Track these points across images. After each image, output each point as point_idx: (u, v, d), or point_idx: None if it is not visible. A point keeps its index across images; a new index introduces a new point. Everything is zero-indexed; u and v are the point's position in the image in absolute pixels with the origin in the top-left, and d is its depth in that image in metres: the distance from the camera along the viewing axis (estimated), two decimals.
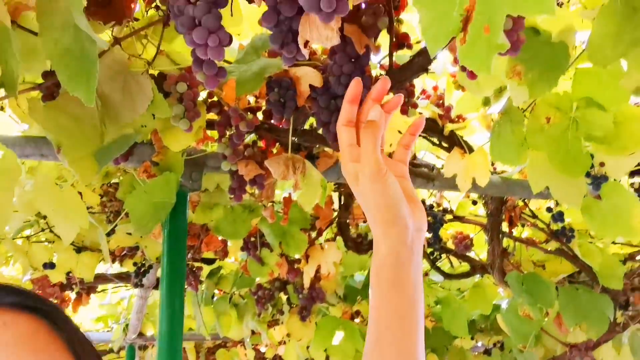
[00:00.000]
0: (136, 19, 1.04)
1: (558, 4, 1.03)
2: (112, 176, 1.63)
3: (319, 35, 0.76)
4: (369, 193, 0.68)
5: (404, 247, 0.67)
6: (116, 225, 1.60)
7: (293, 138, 1.30)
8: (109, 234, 1.67)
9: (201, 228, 1.81)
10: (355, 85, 0.71)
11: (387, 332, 0.66)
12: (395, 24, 1.08)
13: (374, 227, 0.69)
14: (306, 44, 0.79)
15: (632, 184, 1.61)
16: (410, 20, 1.42)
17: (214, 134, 1.36)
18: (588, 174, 1.36)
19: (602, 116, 1.21)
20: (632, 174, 1.62)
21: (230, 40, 0.79)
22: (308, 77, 1.07)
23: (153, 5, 0.94)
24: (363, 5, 1.08)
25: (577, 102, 1.22)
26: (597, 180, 1.34)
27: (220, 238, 1.85)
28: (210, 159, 1.47)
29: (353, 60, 1.01)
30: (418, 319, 0.67)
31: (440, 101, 1.56)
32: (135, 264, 2.04)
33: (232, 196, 1.36)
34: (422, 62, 1.02)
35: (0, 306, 0.58)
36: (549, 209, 1.66)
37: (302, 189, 1.13)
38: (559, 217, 1.62)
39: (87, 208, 1.62)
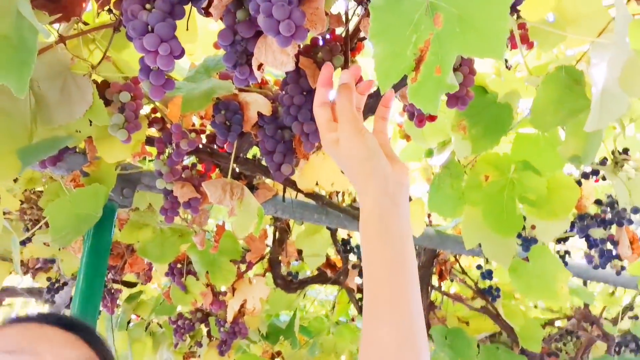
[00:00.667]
0: (85, 23, 1.00)
1: (507, 67, 1.07)
2: (36, 182, 1.54)
3: (274, 59, 0.75)
4: (349, 149, 0.72)
5: (385, 197, 0.69)
6: (33, 234, 1.50)
7: (234, 165, 1.27)
8: (24, 243, 1.56)
9: (126, 248, 1.72)
10: (327, 68, 0.78)
11: (380, 288, 0.65)
12: (350, 64, 1.09)
13: (356, 183, 0.72)
14: (260, 66, 0.78)
15: (558, 251, 1.66)
16: (365, 66, 1.44)
17: (153, 150, 1.32)
18: (519, 235, 1.39)
19: (537, 180, 1.25)
20: (559, 240, 1.67)
21: (182, 53, 0.77)
22: (257, 104, 1.06)
23: (106, 8, 0.90)
24: (321, 42, 1.09)
25: (515, 164, 1.26)
26: (527, 242, 1.37)
27: (146, 261, 1.76)
28: (145, 177, 1.42)
29: (305, 93, 1.00)
30: (410, 275, 0.66)
31: None
32: (49, 279, 1.91)
33: (164, 217, 1.31)
34: (373, 104, 1.02)
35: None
36: (478, 267, 1.68)
37: (237, 216, 1.09)
38: (487, 274, 1.65)
39: (5, 213, 1.51)
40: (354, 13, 1.01)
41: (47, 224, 1.49)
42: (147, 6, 0.75)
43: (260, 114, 1.06)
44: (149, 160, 1.52)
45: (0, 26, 0.76)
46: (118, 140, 1.13)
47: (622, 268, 1.48)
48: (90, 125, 1.04)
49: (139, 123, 1.05)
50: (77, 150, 1.33)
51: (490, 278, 1.65)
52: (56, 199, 1.46)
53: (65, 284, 1.93)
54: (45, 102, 0.98)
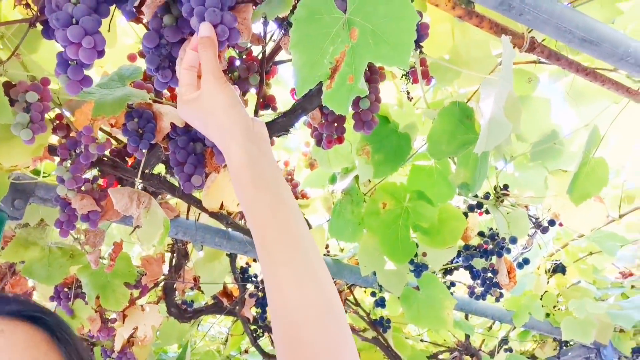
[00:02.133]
0: None
1: (408, 98, 1.17)
2: None
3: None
4: (214, 98, 0.72)
5: (252, 144, 0.70)
6: None
7: (139, 180, 1.26)
8: None
9: (9, 267, 1.60)
10: (205, 27, 0.74)
11: (267, 231, 0.65)
12: (264, 86, 1.14)
13: (220, 135, 0.72)
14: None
15: (444, 282, 1.78)
16: (275, 91, 1.50)
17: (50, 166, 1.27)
18: (411, 262, 1.48)
19: (429, 210, 1.36)
20: (445, 273, 1.79)
21: (103, 50, 0.78)
22: (171, 116, 1.07)
23: (23, 2, 0.89)
24: (237, 62, 1.13)
25: (410, 193, 1.36)
26: (419, 268, 1.46)
27: (30, 283, 1.65)
28: (39, 189, 1.35)
29: None
30: (294, 212, 0.66)
31: (290, 177, 1.63)
32: None
33: (58, 231, 1.25)
34: (285, 122, 1.07)
35: None
36: (373, 294, 1.75)
37: (143, 226, 1.08)
38: (380, 302, 1.72)
39: None
40: (271, 37, 1.07)
41: None
42: (73, 0, 0.76)
43: (173, 126, 1.07)
44: (44, 176, 1.45)
45: None
46: (19, 143, 1.09)
47: (501, 295, 1.61)
48: None
49: (44, 125, 1.02)
50: None
51: (384, 306, 1.73)
52: None
53: None
54: None
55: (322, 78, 0.71)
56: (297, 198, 1.66)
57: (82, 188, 1.22)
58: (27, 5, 0.89)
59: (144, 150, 1.04)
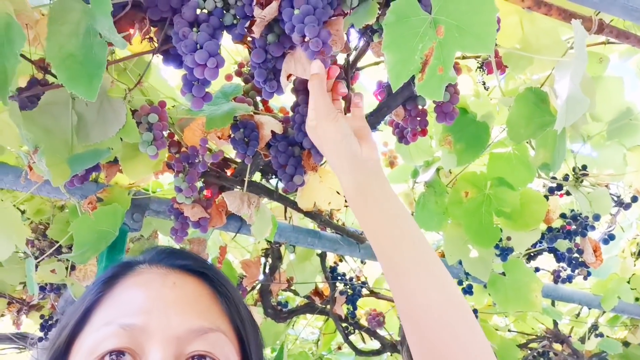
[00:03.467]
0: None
1: (485, 88, 1.25)
2: (44, 213, 1.62)
3: (304, 70, 0.90)
4: (324, 132, 0.82)
5: (359, 172, 0.78)
6: (39, 263, 1.56)
7: (240, 187, 1.40)
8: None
9: None
10: (310, 72, 0.86)
11: (393, 258, 0.70)
12: (351, 90, 1.25)
13: (334, 164, 0.82)
14: (289, 77, 0.93)
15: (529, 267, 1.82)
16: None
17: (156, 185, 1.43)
18: (497, 246, 1.54)
19: (510, 195, 1.42)
20: (529, 258, 1.84)
21: (223, 65, 0.91)
22: (270, 124, 1.20)
23: (147, 37, 1.04)
24: None
25: (491, 181, 1.43)
26: (505, 252, 1.53)
27: None
28: (153, 203, 1.52)
29: None
30: (411, 233, 0.71)
31: None
32: (42, 316, 1.93)
33: (173, 237, 1.41)
34: (373, 121, 1.18)
35: (172, 267, 0.66)
36: (460, 282, 1.82)
37: (255, 223, 1.21)
38: (468, 289, 1.78)
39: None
40: (356, 46, 1.19)
41: (57, 251, 1.57)
42: (194, 29, 0.90)
43: (273, 133, 1.20)
44: (154, 192, 1.62)
45: (67, 46, 0.89)
46: (141, 160, 1.26)
47: (588, 274, 1.64)
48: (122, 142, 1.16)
49: (165, 141, 1.18)
50: (91, 179, 1.44)
51: (471, 293, 1.79)
52: (65, 227, 1.55)
53: (57, 321, 1.95)
54: (84, 121, 1.10)
55: (414, 72, 0.82)
56: None
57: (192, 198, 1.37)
58: (151, 39, 1.05)
59: (250, 156, 1.17)
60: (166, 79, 1.35)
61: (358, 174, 0.79)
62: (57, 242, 1.63)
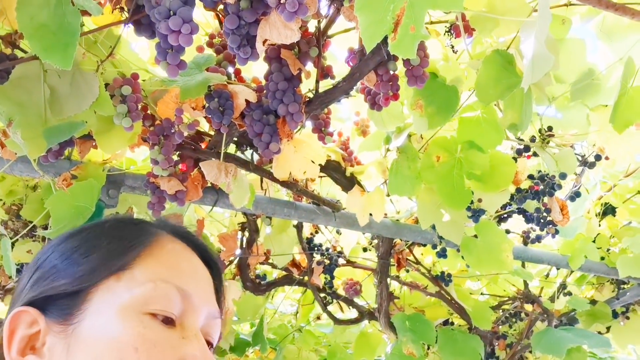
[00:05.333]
0: None
1: (454, 52, 1.28)
2: (16, 194, 1.60)
3: (279, 34, 0.92)
4: None
5: None
6: (15, 242, 1.55)
7: (215, 158, 1.40)
8: None
9: None
10: None
11: None
12: (321, 58, 1.27)
13: None
14: (264, 42, 0.94)
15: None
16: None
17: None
18: (469, 208, 1.59)
19: (480, 157, 1.46)
20: (499, 221, 1.90)
21: (197, 32, 0.92)
22: (245, 93, 1.21)
23: (118, 7, 1.04)
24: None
25: (461, 144, 1.47)
26: (477, 214, 1.57)
27: None
28: (128, 179, 1.51)
29: (287, 79, 1.17)
30: None
31: (344, 146, 1.76)
32: None
33: (151, 211, 1.41)
34: (345, 87, 1.20)
35: (192, 247, 0.73)
36: (434, 246, 1.87)
37: (233, 191, 1.23)
38: (442, 252, 1.84)
39: None
40: (326, 13, 1.20)
41: (32, 231, 1.56)
42: None
43: (247, 102, 1.21)
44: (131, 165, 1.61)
45: (39, 16, 0.89)
46: (116, 133, 1.26)
47: (556, 232, 1.71)
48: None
49: (139, 113, 1.18)
50: (64, 156, 1.42)
51: (445, 256, 1.84)
52: (39, 207, 1.54)
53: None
54: (57, 95, 1.09)
55: (386, 32, 0.84)
56: (352, 165, 1.78)
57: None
58: (122, 9, 1.04)
59: (226, 125, 1.18)
60: (137, 52, 1.35)
61: None
62: (31, 222, 1.61)
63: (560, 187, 1.56)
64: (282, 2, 0.86)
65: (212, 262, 0.74)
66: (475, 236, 1.74)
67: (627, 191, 2.24)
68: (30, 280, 0.65)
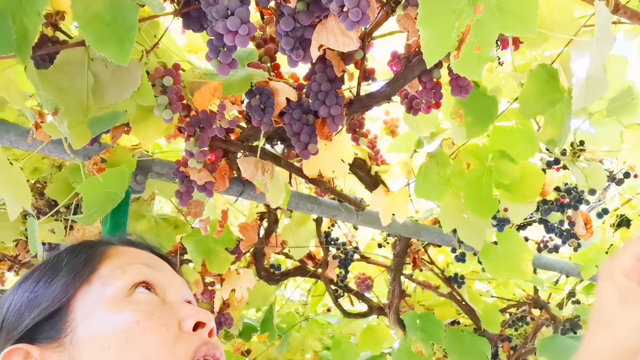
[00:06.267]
0: None
1: (500, 63, 1.27)
2: (41, 172, 1.59)
3: (336, 41, 0.90)
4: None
5: None
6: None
7: (246, 152, 1.40)
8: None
9: None
10: None
11: None
12: (364, 60, 1.25)
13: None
14: (320, 47, 0.93)
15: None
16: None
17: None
18: (494, 217, 1.59)
19: (511, 167, 1.46)
20: (519, 228, 1.90)
21: (254, 33, 0.90)
22: (285, 91, 1.20)
23: None
24: None
25: (492, 153, 1.46)
26: (501, 223, 1.57)
27: None
28: (156, 165, 1.50)
29: (330, 81, 1.16)
30: None
31: (372, 145, 1.75)
32: None
33: (178, 200, 1.41)
34: (389, 91, 1.19)
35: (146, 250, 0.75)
36: (453, 250, 1.87)
37: (269, 190, 1.22)
38: (461, 257, 1.84)
39: None
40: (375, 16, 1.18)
41: (57, 211, 1.55)
42: None
43: (287, 100, 1.20)
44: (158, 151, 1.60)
45: (94, 6, 0.87)
46: (152, 123, 1.24)
47: (579, 245, 1.71)
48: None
49: (179, 105, 1.17)
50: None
51: (464, 261, 1.85)
52: (64, 187, 1.53)
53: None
54: (100, 82, 1.08)
55: (450, 49, 0.82)
56: (377, 164, 1.78)
57: None
58: (172, 0, 1.02)
59: (267, 123, 1.17)
60: (175, 39, 1.33)
61: None
62: (54, 201, 1.61)
63: (587, 202, 1.56)
64: (345, 10, 0.84)
65: (165, 259, 0.76)
66: (495, 242, 1.74)
67: None
68: (2, 330, 0.65)
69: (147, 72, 1.16)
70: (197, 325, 0.64)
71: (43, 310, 0.64)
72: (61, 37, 1.13)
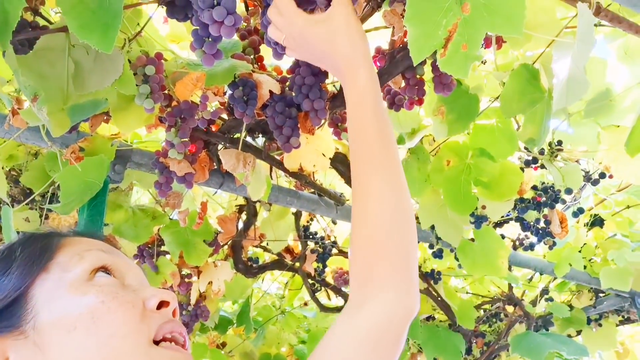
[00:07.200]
0: None
1: (482, 62, 1.28)
2: (16, 159, 1.56)
3: None
4: (346, 22, 0.82)
5: (373, 68, 0.81)
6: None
7: (227, 144, 1.39)
8: None
9: None
10: None
11: (373, 158, 0.76)
12: None
13: (347, 60, 0.82)
14: None
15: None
16: None
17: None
18: (472, 214, 1.60)
19: (490, 165, 1.48)
20: (496, 225, 1.92)
21: (239, 25, 0.89)
22: (269, 84, 1.19)
23: None
24: None
25: (472, 151, 1.48)
26: (479, 220, 1.59)
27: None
28: (135, 155, 1.49)
29: (314, 75, 1.15)
30: (393, 138, 0.78)
31: None
32: None
33: (157, 190, 1.39)
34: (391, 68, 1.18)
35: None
36: (431, 246, 1.89)
37: (250, 182, 1.21)
38: (438, 253, 1.86)
39: None
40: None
41: (32, 200, 1.52)
42: None
43: (270, 93, 1.19)
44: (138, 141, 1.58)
45: None
46: (133, 112, 1.23)
47: (554, 244, 1.74)
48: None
49: (161, 95, 1.15)
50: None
51: (441, 257, 1.86)
52: (40, 175, 1.50)
53: None
54: (81, 69, 1.06)
55: (436, 47, 0.83)
56: None
57: None
58: None
59: (249, 115, 1.16)
60: (157, 28, 1.31)
61: (373, 68, 0.82)
62: (30, 189, 1.58)
63: (564, 201, 1.58)
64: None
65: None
66: (473, 239, 1.76)
67: (617, 204, 2.29)
68: None
69: (129, 61, 1.14)
70: (161, 305, 0.66)
71: (0, 301, 0.63)
72: (41, 22, 1.11)
